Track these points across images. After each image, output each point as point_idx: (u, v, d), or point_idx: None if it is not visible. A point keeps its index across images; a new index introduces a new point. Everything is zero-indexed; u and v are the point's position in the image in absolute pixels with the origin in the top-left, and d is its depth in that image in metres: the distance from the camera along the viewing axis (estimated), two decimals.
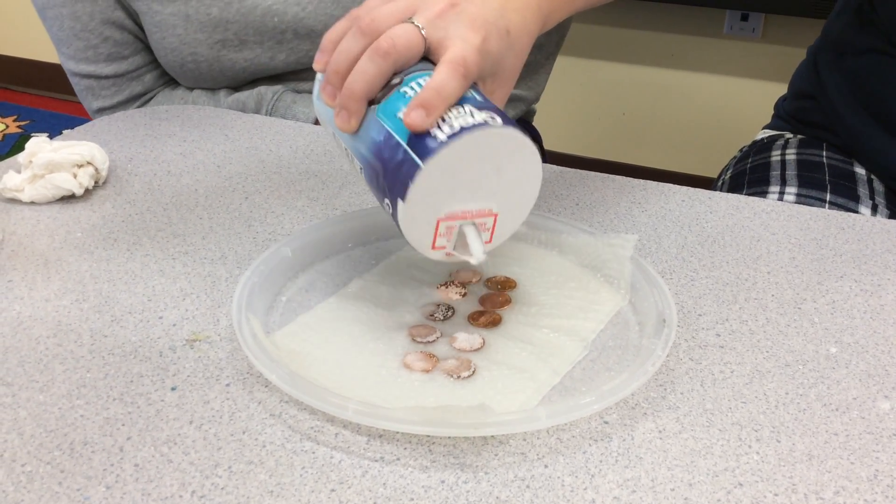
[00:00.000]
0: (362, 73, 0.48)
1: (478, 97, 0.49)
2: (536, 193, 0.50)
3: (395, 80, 0.49)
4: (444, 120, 0.46)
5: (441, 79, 0.47)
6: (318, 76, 0.53)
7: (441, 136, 0.46)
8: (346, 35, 0.50)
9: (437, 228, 0.48)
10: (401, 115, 0.47)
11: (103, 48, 0.92)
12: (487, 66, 0.51)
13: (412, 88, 0.48)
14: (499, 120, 0.47)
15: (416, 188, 0.46)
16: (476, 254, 0.49)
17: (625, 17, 2.20)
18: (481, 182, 0.48)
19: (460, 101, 0.48)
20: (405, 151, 0.46)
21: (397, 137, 0.47)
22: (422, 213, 0.47)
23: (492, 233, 0.50)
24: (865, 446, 0.45)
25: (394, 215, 0.48)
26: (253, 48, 0.90)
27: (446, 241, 0.49)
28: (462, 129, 0.46)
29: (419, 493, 0.41)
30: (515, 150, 0.48)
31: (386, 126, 0.48)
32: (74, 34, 0.91)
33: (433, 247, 0.49)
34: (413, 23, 0.49)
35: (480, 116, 0.47)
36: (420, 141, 0.46)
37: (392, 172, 0.47)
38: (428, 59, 0.51)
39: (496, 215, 0.49)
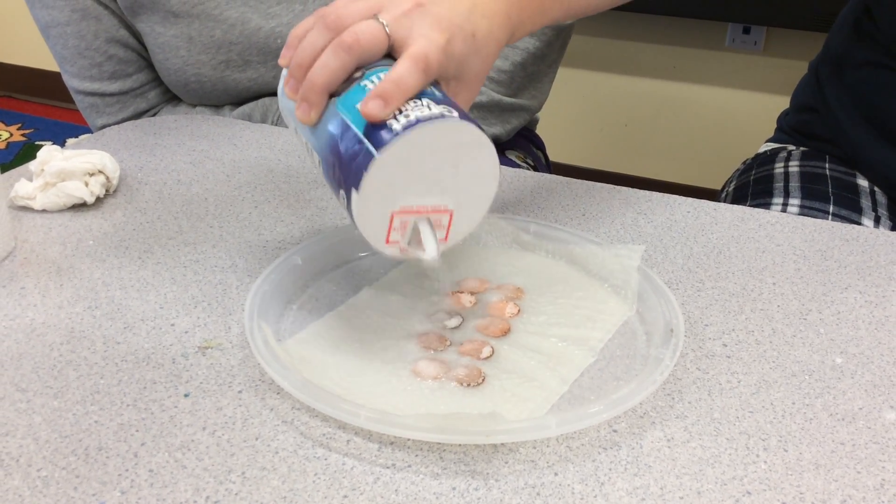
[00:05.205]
0: (324, 65, 0.49)
1: (437, 93, 0.49)
2: (493, 193, 0.50)
3: (357, 74, 0.49)
4: (401, 111, 0.47)
5: (400, 71, 0.47)
6: (284, 71, 0.53)
7: (397, 126, 0.46)
8: (312, 30, 0.51)
9: (391, 222, 0.48)
10: (359, 106, 0.47)
11: (107, 66, 0.92)
12: (451, 67, 0.51)
13: (372, 82, 0.48)
14: (455, 114, 0.47)
15: (371, 178, 0.45)
16: (430, 251, 0.49)
17: (627, 30, 2.22)
18: (437, 176, 0.48)
19: (419, 95, 0.48)
20: (361, 141, 0.46)
21: (354, 128, 0.47)
22: (376, 205, 0.47)
23: (447, 231, 0.50)
24: (872, 455, 0.45)
25: (348, 207, 0.47)
26: (257, 68, 0.91)
27: (400, 237, 0.49)
28: (418, 121, 0.46)
29: (430, 499, 0.42)
30: (472, 146, 0.47)
31: (344, 117, 0.48)
32: (79, 52, 0.91)
33: (387, 241, 0.49)
34: (378, 20, 0.50)
35: (437, 109, 0.47)
36: (376, 131, 0.46)
37: (347, 162, 0.47)
38: (392, 56, 0.51)
39: (451, 213, 0.49)
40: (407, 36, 0.50)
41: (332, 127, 0.49)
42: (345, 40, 0.49)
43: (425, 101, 0.48)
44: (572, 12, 0.62)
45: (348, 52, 0.49)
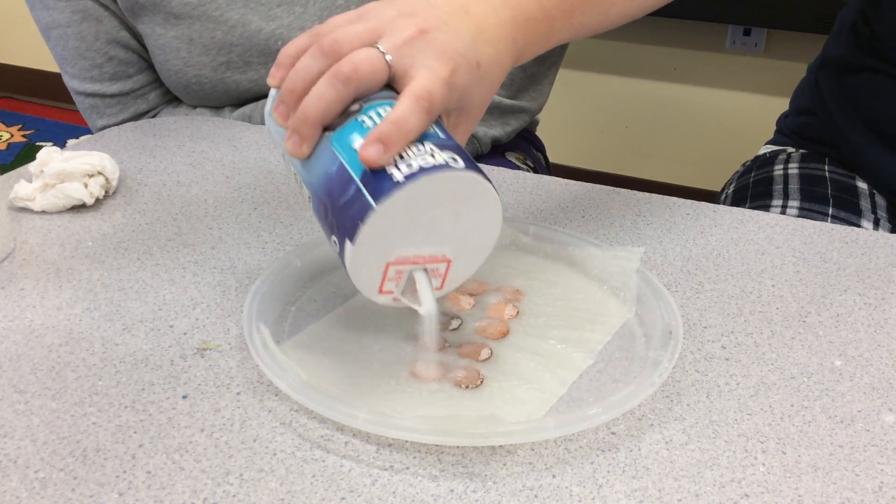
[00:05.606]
0: (319, 97, 0.45)
1: (440, 134, 0.46)
2: (494, 241, 0.48)
3: (354, 107, 0.46)
4: (402, 157, 0.43)
5: (402, 112, 0.44)
6: (273, 92, 0.50)
7: (398, 175, 0.42)
8: (306, 53, 0.47)
9: (385, 272, 0.45)
10: (356, 146, 0.44)
11: (108, 67, 0.92)
12: (454, 99, 0.48)
13: (371, 118, 0.45)
14: (461, 162, 0.44)
15: (367, 230, 0.42)
16: (425, 303, 0.46)
17: (627, 32, 2.22)
18: (437, 226, 0.45)
19: (421, 138, 0.45)
20: (358, 188, 0.43)
21: (350, 171, 0.44)
22: (371, 256, 0.44)
23: (443, 279, 0.48)
24: (870, 458, 0.45)
25: (340, 254, 0.45)
26: (257, 69, 0.91)
27: (394, 286, 0.46)
28: (421, 170, 0.43)
29: (428, 501, 0.42)
30: (476, 195, 0.45)
31: (339, 157, 0.45)
32: (79, 54, 0.91)
33: (380, 291, 0.46)
34: (378, 48, 0.47)
35: (441, 157, 0.44)
36: (375, 178, 0.43)
37: (342, 209, 0.44)
38: (391, 86, 0.48)
39: (449, 262, 0.47)
40: (409, 66, 0.46)
41: (326, 165, 0.45)
42: (342, 70, 0.45)
43: (428, 145, 0.44)
44: (581, 32, 0.60)
45: (345, 83, 0.45)
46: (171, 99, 0.98)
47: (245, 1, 0.88)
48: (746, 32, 2.07)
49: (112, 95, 0.94)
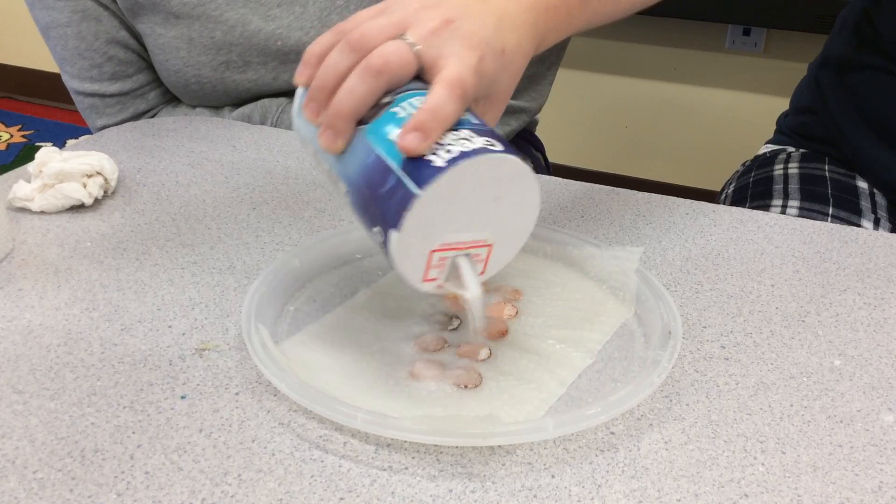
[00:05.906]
0: (351, 91, 0.46)
1: (474, 120, 0.47)
2: (533, 224, 0.48)
3: (386, 100, 0.47)
4: (440, 144, 0.44)
5: (437, 100, 0.45)
6: (300, 90, 0.51)
7: (439, 161, 0.43)
8: (334, 49, 0.48)
9: (429, 260, 0.46)
10: (392, 137, 0.44)
11: (107, 67, 0.92)
12: (482, 87, 0.49)
13: (404, 109, 0.46)
14: (499, 146, 0.44)
15: (412, 217, 0.43)
16: (471, 288, 0.47)
17: (627, 31, 2.22)
18: (478, 211, 0.45)
19: (457, 125, 0.45)
20: (398, 178, 0.43)
21: (389, 161, 0.44)
22: (415, 244, 0.44)
23: (485, 264, 0.48)
24: (869, 458, 0.45)
25: (384, 245, 0.45)
26: (257, 69, 0.91)
27: (438, 273, 0.47)
28: (462, 155, 0.43)
29: (427, 501, 0.42)
30: (515, 178, 0.45)
31: (376, 149, 0.45)
32: (79, 53, 0.91)
33: (425, 279, 0.47)
34: (405, 40, 0.47)
35: (479, 141, 0.44)
36: (415, 166, 0.43)
37: (383, 199, 0.44)
38: (419, 77, 0.48)
39: (490, 246, 0.47)
40: (438, 56, 0.47)
41: (363, 157, 0.45)
42: (373, 64, 0.46)
43: (465, 131, 0.45)
44: (596, 20, 0.61)
45: (377, 76, 0.46)
46: (171, 99, 0.98)
47: (245, 1, 0.88)
48: (746, 32, 2.07)
49: (111, 95, 0.94)
